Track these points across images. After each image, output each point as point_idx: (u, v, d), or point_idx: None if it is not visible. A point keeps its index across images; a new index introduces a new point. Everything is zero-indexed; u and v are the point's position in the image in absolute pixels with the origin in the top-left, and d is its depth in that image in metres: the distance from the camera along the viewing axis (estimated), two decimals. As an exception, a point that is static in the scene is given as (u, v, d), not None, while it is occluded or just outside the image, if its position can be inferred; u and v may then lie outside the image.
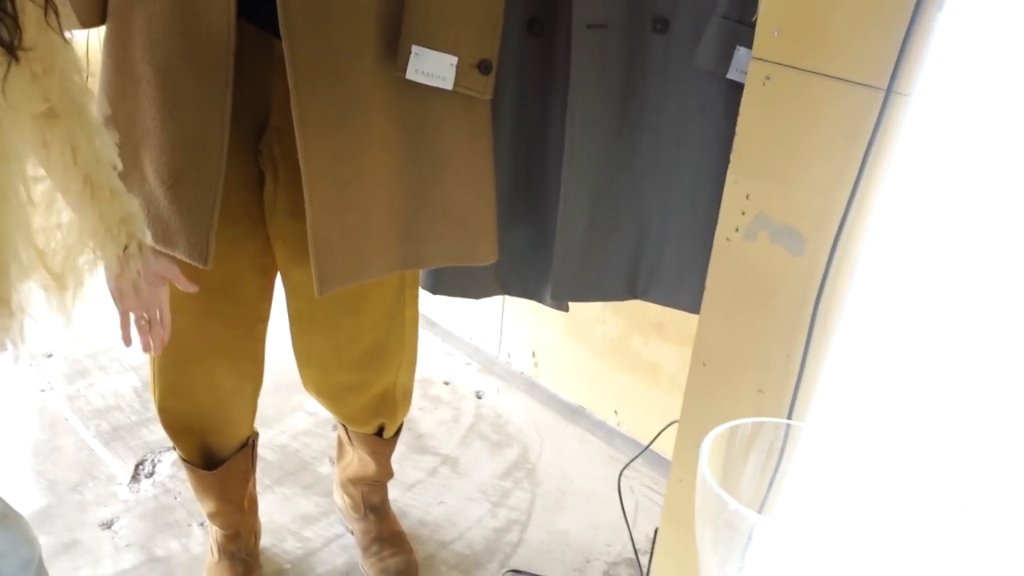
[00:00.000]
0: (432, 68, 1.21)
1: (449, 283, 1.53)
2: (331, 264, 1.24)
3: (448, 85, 1.22)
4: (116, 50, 1.21)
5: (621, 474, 1.78)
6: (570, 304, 1.91)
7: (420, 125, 1.27)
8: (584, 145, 1.30)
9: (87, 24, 1.21)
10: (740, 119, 1.11)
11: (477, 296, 1.55)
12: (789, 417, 1.16)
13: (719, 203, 1.17)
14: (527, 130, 1.41)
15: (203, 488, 1.55)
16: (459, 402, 2.27)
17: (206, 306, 1.36)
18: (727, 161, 1.17)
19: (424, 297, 2.65)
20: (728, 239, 1.18)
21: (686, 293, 1.39)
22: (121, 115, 1.22)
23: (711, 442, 0.96)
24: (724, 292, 1.21)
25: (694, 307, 1.38)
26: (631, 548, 1.77)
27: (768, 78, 1.06)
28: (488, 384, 2.34)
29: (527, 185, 1.45)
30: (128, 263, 1.09)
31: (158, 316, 1.19)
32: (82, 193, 1.01)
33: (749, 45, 1.12)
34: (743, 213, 1.15)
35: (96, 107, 1.02)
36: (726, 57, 1.14)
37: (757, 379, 1.21)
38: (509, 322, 2.34)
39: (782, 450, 1.06)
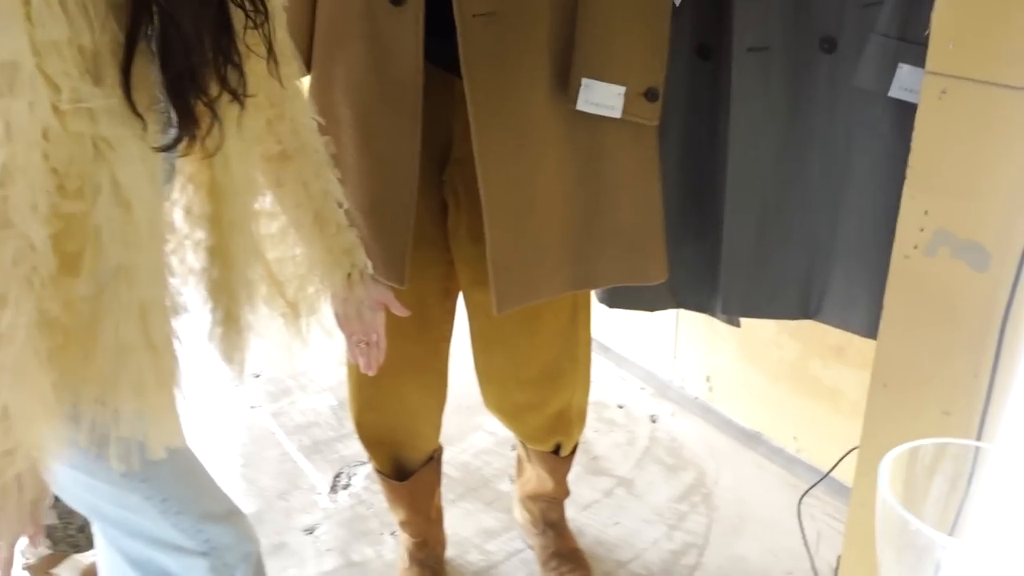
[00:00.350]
0: (601, 98, 1.28)
1: (624, 297, 1.57)
2: (509, 284, 1.32)
3: (617, 114, 1.28)
4: (319, 96, 1.36)
5: (801, 500, 1.75)
6: (746, 327, 1.90)
7: (590, 152, 1.33)
8: (747, 163, 1.32)
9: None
10: (916, 134, 1.10)
11: (651, 308, 1.59)
12: (978, 439, 1.12)
13: (888, 222, 1.15)
14: (697, 149, 1.44)
15: (395, 497, 1.67)
16: (633, 425, 2.29)
17: (397, 327, 1.48)
18: (896, 180, 1.16)
19: (598, 322, 2.70)
20: (907, 256, 1.16)
21: (857, 315, 1.36)
22: None
23: (891, 462, 0.95)
24: (904, 310, 1.18)
25: (865, 330, 1.36)
26: (812, 576, 1.73)
27: (944, 92, 1.05)
28: (662, 408, 2.36)
29: (699, 202, 1.48)
30: (353, 290, 1.19)
31: (375, 339, 1.28)
32: (312, 227, 1.12)
33: (911, 62, 1.11)
34: (922, 229, 1.13)
35: (324, 147, 1.13)
36: (887, 75, 1.13)
37: (942, 400, 1.17)
38: (683, 346, 2.35)
39: (971, 474, 1.02)
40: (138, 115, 0.80)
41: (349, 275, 1.19)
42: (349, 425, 2.30)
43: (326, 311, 1.23)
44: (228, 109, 0.90)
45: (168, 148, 0.85)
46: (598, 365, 2.57)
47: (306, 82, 1.40)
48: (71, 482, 0.97)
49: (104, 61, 0.77)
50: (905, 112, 1.15)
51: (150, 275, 0.85)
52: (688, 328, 2.32)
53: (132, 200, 0.81)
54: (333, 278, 1.18)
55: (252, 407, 2.46)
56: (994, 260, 1.05)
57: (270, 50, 0.95)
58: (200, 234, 1.01)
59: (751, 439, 2.18)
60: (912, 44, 1.11)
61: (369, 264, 1.22)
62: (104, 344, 0.83)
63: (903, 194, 1.14)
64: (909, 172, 1.12)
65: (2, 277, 0.73)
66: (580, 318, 1.54)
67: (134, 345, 0.85)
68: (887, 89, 1.14)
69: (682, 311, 2.31)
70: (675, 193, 1.46)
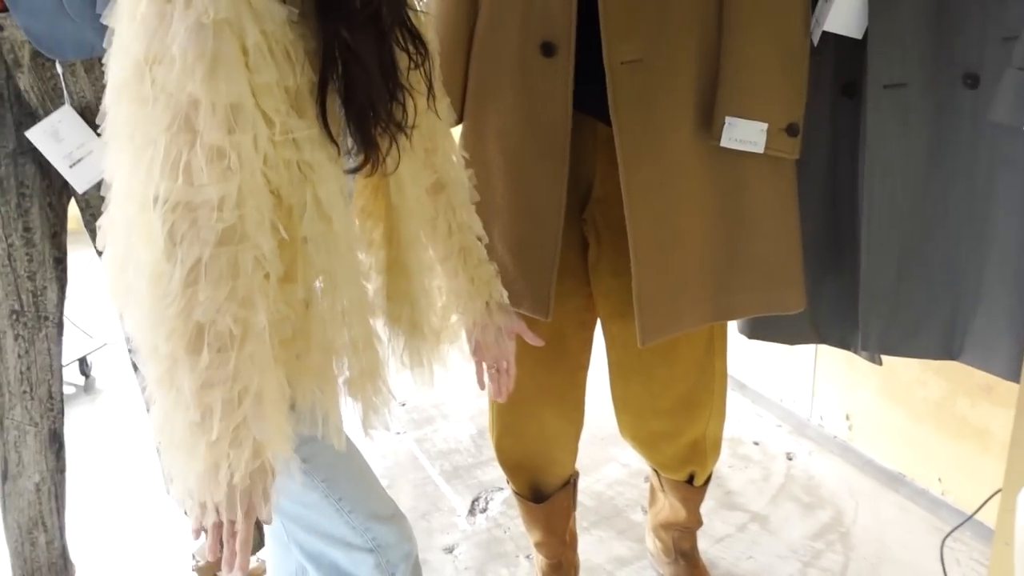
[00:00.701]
0: (744, 135, 1.33)
1: (765, 329, 1.60)
2: (652, 317, 1.38)
3: (759, 149, 1.33)
4: (472, 143, 1.47)
5: (944, 542, 1.71)
6: (888, 365, 1.88)
7: (732, 187, 1.39)
8: (883, 201, 1.34)
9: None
10: (1062, 167, 1.10)
11: (792, 342, 1.60)
12: None
13: None
14: (841, 186, 1.46)
15: (531, 519, 1.74)
16: (769, 462, 2.28)
17: (537, 357, 1.56)
18: None
19: (735, 358, 2.71)
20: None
21: (999, 357, 1.33)
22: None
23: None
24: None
25: (1006, 372, 1.33)
26: (958, 623, 1.68)
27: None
28: (799, 446, 2.33)
29: (842, 237, 1.50)
30: (491, 319, 1.28)
31: (506, 366, 1.36)
32: (458, 258, 1.23)
33: None
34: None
35: (469, 182, 1.24)
36: (1021, 108, 1.13)
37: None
38: (821, 384, 2.32)
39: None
40: (333, 142, 0.94)
41: (487, 304, 1.28)
42: (488, 452, 2.41)
43: (463, 339, 1.32)
44: (398, 138, 1.04)
45: (356, 170, 1.00)
46: (734, 402, 2.57)
47: (457, 131, 1.52)
48: None
49: (304, 98, 0.92)
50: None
51: (349, 279, 0.99)
52: (827, 365, 2.29)
53: (331, 214, 0.95)
54: (474, 307, 1.27)
55: (397, 433, 2.60)
56: None
57: (430, 87, 1.09)
58: (381, 253, 1.15)
59: (893, 480, 2.13)
60: (1048, 77, 1.11)
61: (505, 294, 1.30)
62: (316, 341, 0.96)
63: (1048, 227, 1.14)
64: (1054, 205, 1.12)
65: (246, 282, 0.86)
66: (716, 349, 1.58)
67: (339, 341, 0.98)
68: (1022, 123, 1.14)
69: (822, 349, 2.30)
70: (819, 228, 1.48)
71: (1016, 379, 1.30)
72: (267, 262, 0.89)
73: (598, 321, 1.58)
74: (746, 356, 2.58)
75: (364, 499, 1.14)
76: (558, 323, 1.49)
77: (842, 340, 1.56)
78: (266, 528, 1.22)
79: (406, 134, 1.05)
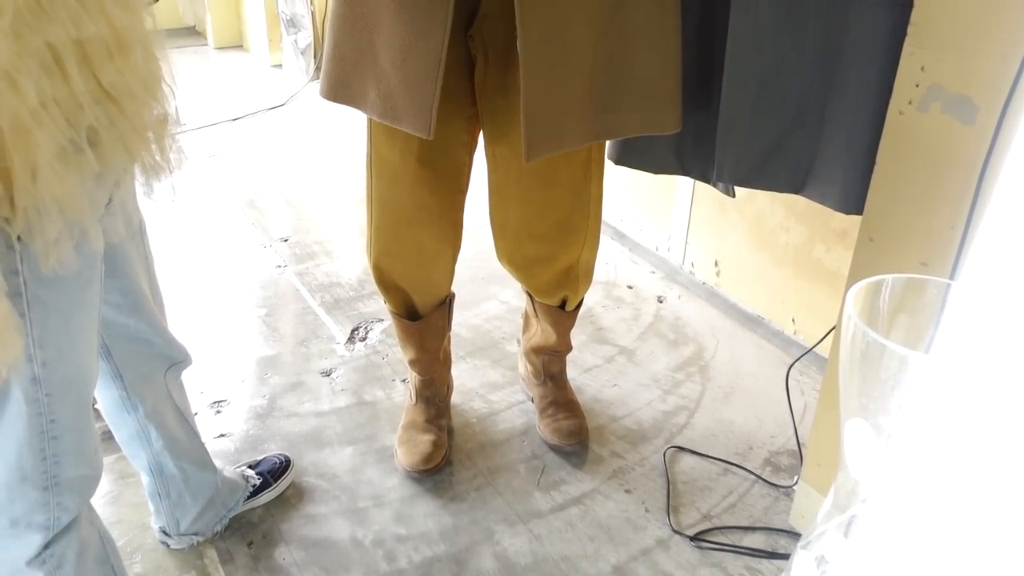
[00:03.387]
0: None
1: (632, 156, 1.64)
2: (538, 133, 1.39)
3: None
4: None
5: (789, 371, 1.84)
6: (755, 213, 1.95)
7: (617, 4, 1.39)
8: (745, 34, 1.37)
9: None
10: (920, -10, 1.15)
11: (656, 171, 1.65)
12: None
13: (869, 101, 1.20)
14: (713, 21, 1.49)
15: (406, 336, 1.78)
16: (641, 304, 2.39)
17: (417, 176, 1.57)
18: (891, 53, 1.21)
19: (615, 210, 2.77)
20: (901, 112, 1.22)
21: (835, 192, 1.40)
22: (358, 4, 1.42)
23: (857, 292, 1.02)
24: (894, 166, 1.25)
25: (840, 206, 1.41)
26: (795, 441, 1.84)
27: (949, -53, 1.09)
28: (670, 291, 2.45)
29: (711, 73, 1.54)
30: None
31: None
32: None
33: None
34: (917, 85, 1.19)
35: None
36: None
37: (921, 252, 1.24)
38: (695, 233, 2.42)
39: (935, 314, 1.10)
40: None
41: None
42: (370, 287, 2.43)
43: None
44: None
45: None
46: (613, 250, 2.66)
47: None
48: None
49: None
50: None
51: None
52: (701, 215, 2.38)
53: None
54: None
55: (279, 267, 2.58)
56: (980, 113, 1.11)
57: None
58: None
59: (752, 321, 2.27)
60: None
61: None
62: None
63: (903, 51, 1.20)
64: (911, 28, 1.18)
65: None
66: (593, 174, 1.62)
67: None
68: None
69: (697, 199, 2.39)
70: (689, 62, 1.50)
71: (847, 211, 1.39)
72: None
73: (478, 145, 1.59)
74: (625, 207, 2.66)
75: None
76: (439, 143, 1.49)
77: (702, 173, 1.61)
78: None
79: None
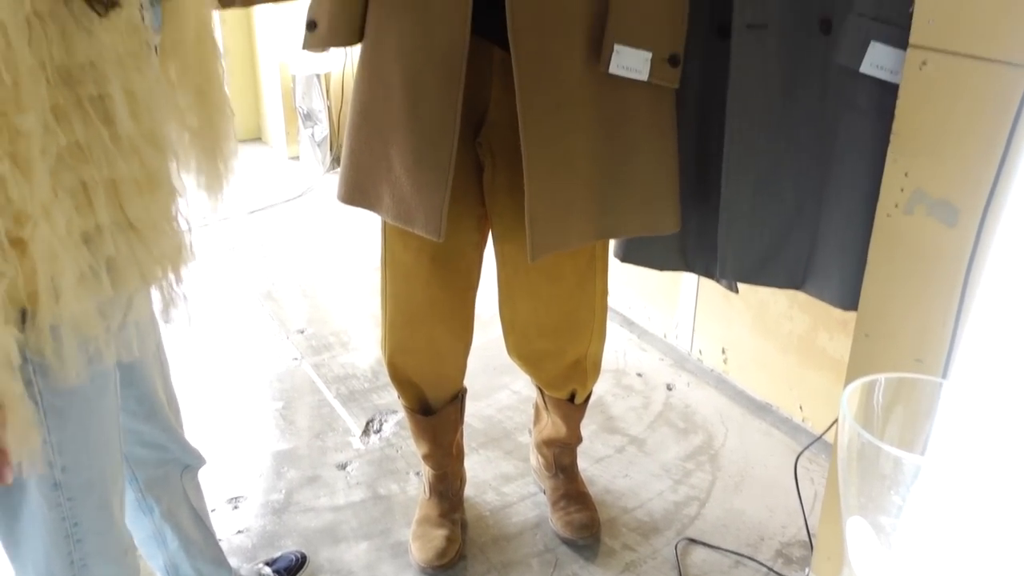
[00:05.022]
0: (631, 63, 1.41)
1: (637, 253, 1.69)
2: (543, 234, 1.46)
3: (644, 77, 1.42)
4: (371, 62, 1.50)
5: (798, 459, 1.86)
6: (759, 301, 2.00)
7: (617, 113, 1.47)
8: (742, 134, 1.44)
9: (350, 42, 1.52)
10: (899, 101, 1.22)
11: (661, 267, 1.70)
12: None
13: (861, 201, 1.27)
14: (711, 123, 1.56)
15: (420, 431, 1.82)
16: (650, 392, 2.42)
17: (430, 275, 1.64)
18: (878, 157, 1.27)
19: (624, 298, 2.83)
20: (888, 215, 1.27)
21: (833, 287, 1.45)
22: (374, 115, 1.51)
23: (852, 393, 1.06)
24: (885, 265, 1.30)
25: (838, 302, 1.46)
26: (806, 532, 1.84)
27: (924, 63, 1.17)
28: (679, 378, 2.48)
29: (711, 171, 1.61)
30: None
31: None
32: None
33: (884, 41, 1.22)
34: (902, 189, 1.25)
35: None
36: (860, 52, 1.24)
37: (915, 348, 1.28)
38: (702, 320, 2.47)
39: (929, 411, 1.13)
40: None
41: None
42: (384, 379, 2.47)
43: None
44: None
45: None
46: (622, 337, 2.70)
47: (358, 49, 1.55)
48: None
49: None
50: (885, 93, 1.26)
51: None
52: (707, 303, 2.43)
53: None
54: None
55: (295, 359, 2.64)
56: (961, 216, 1.17)
57: None
58: None
59: (761, 408, 2.29)
60: (885, 24, 1.23)
61: None
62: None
63: (887, 158, 1.26)
64: (893, 136, 1.24)
65: None
66: (598, 269, 1.68)
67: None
68: (859, 65, 1.25)
69: (702, 288, 2.44)
70: (689, 161, 1.58)
71: (844, 307, 1.44)
72: None
73: (488, 243, 1.66)
74: (634, 295, 2.71)
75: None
76: (451, 243, 1.56)
77: (706, 268, 1.67)
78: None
79: None
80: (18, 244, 0.85)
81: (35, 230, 0.85)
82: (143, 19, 0.93)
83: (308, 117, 4.95)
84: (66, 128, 0.86)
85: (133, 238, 0.97)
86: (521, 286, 1.66)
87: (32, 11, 0.81)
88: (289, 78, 4.81)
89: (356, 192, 1.57)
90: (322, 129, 4.85)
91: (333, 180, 1.42)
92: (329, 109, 4.78)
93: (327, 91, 4.63)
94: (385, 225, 1.64)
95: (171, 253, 1.06)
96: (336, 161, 4.52)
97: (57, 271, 0.89)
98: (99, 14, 0.87)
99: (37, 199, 0.84)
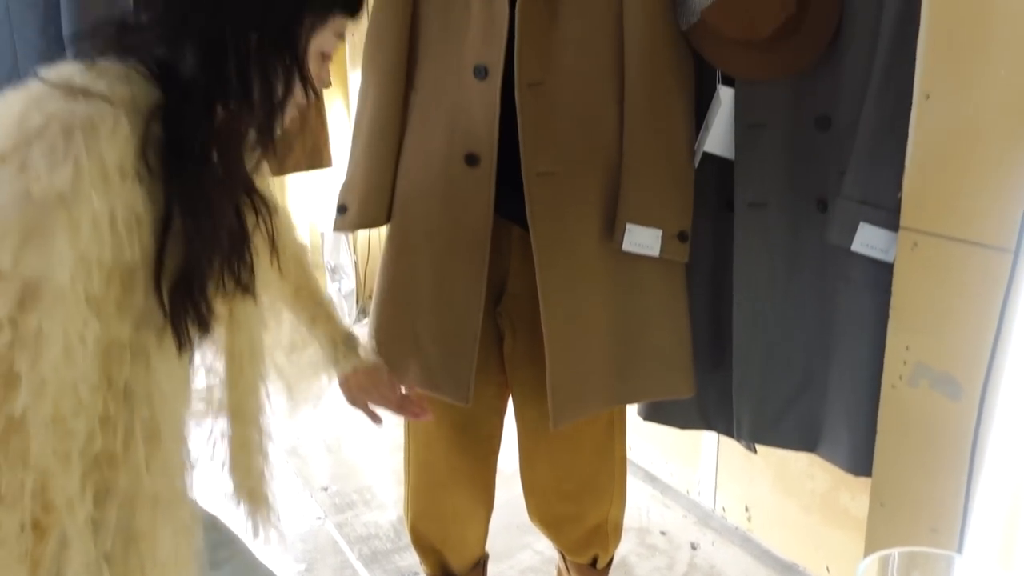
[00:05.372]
0: (642, 240, 1.50)
1: (659, 413, 1.73)
2: (564, 402, 1.52)
3: (655, 253, 1.50)
4: (398, 241, 1.61)
5: (827, 625, 1.83)
6: (780, 458, 2.02)
7: (631, 286, 1.55)
8: (750, 307, 1.51)
9: (378, 224, 1.63)
10: (895, 278, 1.29)
11: (683, 427, 1.74)
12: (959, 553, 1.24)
13: (863, 369, 1.32)
14: (724, 288, 1.64)
15: (443, 599, 1.81)
16: (674, 552, 2.39)
17: (452, 441, 1.69)
18: (879, 329, 1.33)
19: (645, 453, 2.83)
20: (893, 386, 1.32)
21: (843, 452, 1.48)
22: (400, 293, 1.61)
23: (865, 569, 1.07)
24: (894, 436, 1.33)
25: (848, 466, 1.49)
26: None
27: (915, 244, 1.24)
28: (704, 536, 2.45)
29: (727, 336, 1.66)
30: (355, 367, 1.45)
31: (398, 397, 1.55)
32: (312, 322, 1.39)
33: (871, 222, 1.31)
34: (904, 363, 1.30)
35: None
36: (850, 232, 1.32)
37: (930, 518, 1.30)
38: (724, 477, 2.47)
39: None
40: (166, 317, 0.91)
41: (344, 352, 1.42)
42: (406, 538, 2.47)
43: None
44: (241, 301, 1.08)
45: (187, 346, 0.97)
46: (644, 493, 2.69)
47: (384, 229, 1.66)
48: None
49: (137, 270, 0.89)
50: (879, 268, 1.34)
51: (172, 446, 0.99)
52: (728, 460, 2.44)
53: (164, 389, 0.95)
54: (338, 359, 1.43)
55: (318, 518, 2.64)
56: (964, 391, 1.21)
57: (273, 246, 1.10)
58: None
59: (787, 569, 2.26)
60: (872, 207, 1.31)
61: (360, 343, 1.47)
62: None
63: (888, 331, 1.32)
64: (892, 311, 1.30)
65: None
66: (616, 435, 1.72)
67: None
68: (850, 244, 1.33)
69: (723, 444, 2.45)
70: (705, 327, 1.64)
71: (855, 472, 1.46)
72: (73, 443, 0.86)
73: (508, 408, 1.71)
74: (656, 450, 2.72)
75: None
76: (472, 409, 1.61)
77: (727, 428, 1.70)
78: None
79: (254, 298, 1.07)
80: (37, 528, 0.87)
81: (57, 518, 0.89)
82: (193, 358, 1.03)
83: (335, 272, 5.12)
84: (108, 437, 0.91)
85: (134, 549, 0.99)
86: (542, 451, 1.70)
87: (115, 339, 0.88)
88: (318, 235, 5.01)
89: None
90: (349, 283, 5.01)
91: (359, 332, 1.51)
92: (356, 264, 4.95)
93: (354, 247, 4.81)
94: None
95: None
96: (362, 314, 4.64)
97: (66, 559, 0.91)
98: (182, 350, 0.95)
99: (66, 493, 0.88)
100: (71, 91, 0.85)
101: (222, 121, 0.94)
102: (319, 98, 1.67)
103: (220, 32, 0.91)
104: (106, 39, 0.93)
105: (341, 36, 1.03)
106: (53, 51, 1.45)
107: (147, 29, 0.93)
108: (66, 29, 1.48)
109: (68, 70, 0.89)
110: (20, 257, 0.79)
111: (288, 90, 0.96)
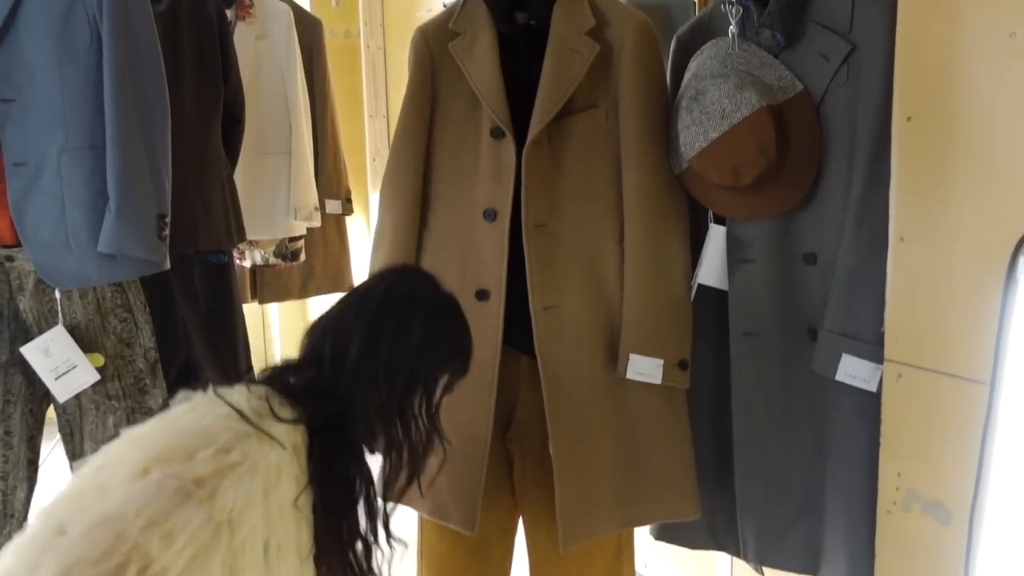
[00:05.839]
0: (645, 369, 1.58)
1: (671, 533, 1.75)
2: (572, 525, 1.57)
3: (657, 380, 1.57)
4: None
5: None
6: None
7: (634, 411, 1.62)
8: (750, 433, 1.56)
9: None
10: (883, 408, 1.35)
11: (693, 547, 1.76)
12: None
13: (867, 495, 1.37)
14: (728, 413, 1.68)
15: None
16: (691, 675, 2.36)
17: (464, 565, 1.73)
18: (872, 455, 1.38)
19: (662, 570, 2.80)
20: (888, 511, 1.36)
21: (842, 574, 1.51)
22: None
23: None
24: (891, 561, 1.37)
25: None
26: None
27: (900, 376, 1.31)
28: (720, 659, 2.42)
29: (730, 459, 1.71)
30: None
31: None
32: None
33: (852, 353, 1.38)
34: (897, 489, 1.34)
35: None
36: (834, 363, 1.40)
37: (931, 643, 1.32)
38: (738, 596, 2.45)
39: None
40: None
41: None
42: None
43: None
44: None
45: None
46: (659, 613, 2.66)
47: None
48: None
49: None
50: (864, 396, 1.40)
51: None
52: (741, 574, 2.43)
53: None
54: None
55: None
56: (953, 516, 1.25)
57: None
58: None
59: None
60: (853, 339, 1.39)
61: None
62: None
63: (880, 459, 1.37)
64: (882, 440, 1.36)
65: None
66: (624, 556, 1.75)
67: None
68: (834, 374, 1.40)
69: (737, 563, 2.45)
70: (710, 450, 1.69)
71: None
72: None
73: (519, 529, 1.75)
74: (673, 568, 2.71)
75: None
76: (483, 532, 1.65)
77: (736, 549, 1.73)
78: None
79: None
80: None
81: None
82: None
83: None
84: None
85: None
86: (552, 573, 1.73)
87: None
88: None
89: None
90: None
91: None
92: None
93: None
94: (421, 519, 1.74)
95: None
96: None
97: None
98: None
99: None
100: (260, 433, 1.05)
101: (383, 472, 1.20)
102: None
103: (395, 405, 1.19)
104: (285, 387, 1.14)
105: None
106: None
107: (326, 386, 1.16)
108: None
109: (249, 402, 1.09)
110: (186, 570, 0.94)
111: (430, 444, 1.23)
